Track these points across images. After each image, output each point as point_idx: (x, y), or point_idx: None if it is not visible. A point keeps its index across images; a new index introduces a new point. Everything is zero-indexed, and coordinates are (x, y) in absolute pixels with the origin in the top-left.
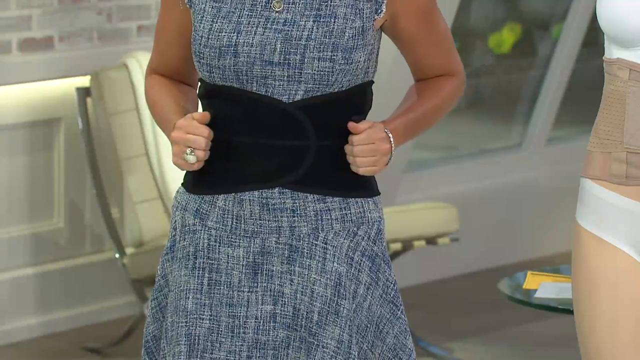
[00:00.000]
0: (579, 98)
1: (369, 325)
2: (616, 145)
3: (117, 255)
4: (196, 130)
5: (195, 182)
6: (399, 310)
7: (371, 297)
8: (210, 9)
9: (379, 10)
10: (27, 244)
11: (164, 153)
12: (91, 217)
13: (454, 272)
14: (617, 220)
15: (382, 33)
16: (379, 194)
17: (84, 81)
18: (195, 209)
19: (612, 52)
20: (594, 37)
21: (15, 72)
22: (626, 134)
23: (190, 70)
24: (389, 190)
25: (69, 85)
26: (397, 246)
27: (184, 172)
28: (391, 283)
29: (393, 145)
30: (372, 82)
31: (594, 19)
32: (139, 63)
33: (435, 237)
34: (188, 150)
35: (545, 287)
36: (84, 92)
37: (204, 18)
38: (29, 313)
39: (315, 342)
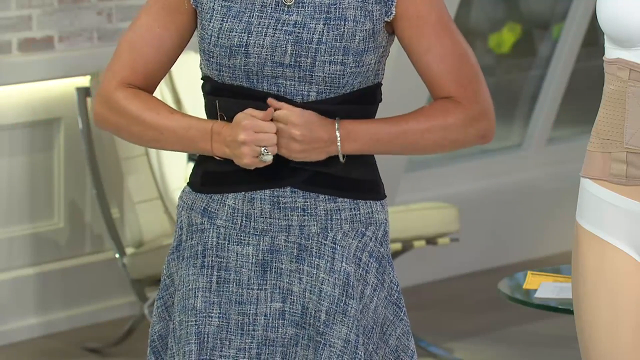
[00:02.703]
0: (579, 98)
1: (374, 327)
2: (616, 145)
3: (117, 255)
4: (266, 128)
5: (204, 181)
6: (401, 312)
7: (377, 298)
8: (219, 7)
9: (389, 13)
10: (27, 244)
11: (164, 153)
12: (91, 217)
13: (454, 272)
14: (617, 220)
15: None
16: (386, 197)
17: (84, 81)
18: (202, 208)
19: (612, 52)
20: (594, 37)
21: (15, 72)
22: (626, 134)
23: (162, 75)
24: (389, 190)
25: (69, 85)
26: (397, 246)
27: (186, 171)
28: (395, 285)
29: (338, 138)
30: (381, 84)
31: (594, 19)
32: None
33: (435, 237)
34: (263, 150)
35: (545, 287)
36: (84, 92)
37: (214, 17)
38: (29, 313)
39: (323, 341)
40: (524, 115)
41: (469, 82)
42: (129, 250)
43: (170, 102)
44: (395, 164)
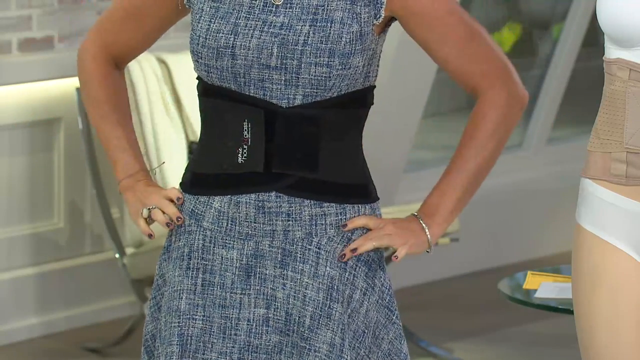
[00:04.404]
0: (579, 98)
1: (366, 331)
2: (616, 145)
3: (117, 255)
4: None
5: (193, 182)
6: (394, 315)
7: (368, 302)
8: (208, 8)
9: (378, 15)
10: (27, 244)
11: (164, 153)
12: (91, 217)
13: (454, 272)
14: (617, 220)
15: (385, 37)
16: (378, 199)
17: None
18: (190, 210)
19: (612, 52)
20: (594, 37)
21: (15, 72)
22: (626, 134)
23: (139, 52)
24: (389, 190)
25: (69, 85)
26: None
27: (183, 172)
28: (386, 288)
29: (429, 237)
30: (374, 86)
31: (594, 19)
32: (139, 63)
33: None
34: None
35: (545, 287)
36: None
37: (202, 18)
38: (29, 313)
39: (307, 347)
40: (524, 115)
41: (483, 60)
42: (129, 250)
43: (170, 102)
44: (394, 164)
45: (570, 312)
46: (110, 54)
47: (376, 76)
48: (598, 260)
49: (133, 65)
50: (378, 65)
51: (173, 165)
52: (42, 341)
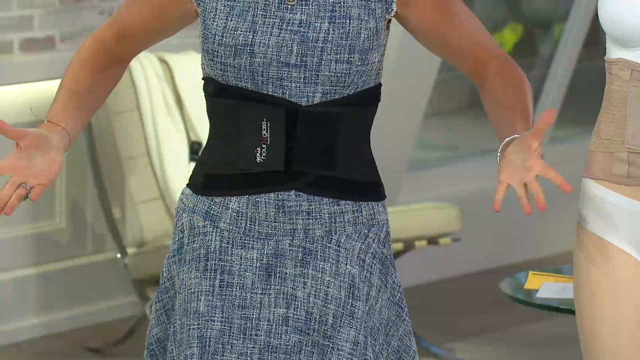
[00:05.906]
0: (581, 98)
1: (380, 328)
2: (618, 145)
3: (118, 255)
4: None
5: (206, 183)
6: (403, 312)
7: (381, 299)
8: (222, 7)
9: (390, 10)
10: (28, 244)
11: (165, 153)
12: (93, 217)
13: (456, 272)
14: (619, 220)
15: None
16: (386, 197)
17: None
18: (204, 211)
19: (614, 52)
20: (595, 38)
21: (16, 72)
22: (628, 134)
23: (138, 50)
24: (390, 190)
25: None
26: (398, 246)
27: (187, 171)
28: (397, 285)
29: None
30: (381, 84)
31: (595, 19)
32: (140, 63)
33: (436, 237)
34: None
35: (546, 287)
36: None
37: (217, 16)
38: (31, 313)
39: (331, 345)
40: None
41: (483, 37)
42: (131, 250)
43: (171, 102)
44: (396, 164)
45: (572, 312)
46: (118, 38)
47: (381, 74)
48: (599, 260)
49: (134, 65)
50: (382, 62)
51: (174, 164)
52: (44, 341)
